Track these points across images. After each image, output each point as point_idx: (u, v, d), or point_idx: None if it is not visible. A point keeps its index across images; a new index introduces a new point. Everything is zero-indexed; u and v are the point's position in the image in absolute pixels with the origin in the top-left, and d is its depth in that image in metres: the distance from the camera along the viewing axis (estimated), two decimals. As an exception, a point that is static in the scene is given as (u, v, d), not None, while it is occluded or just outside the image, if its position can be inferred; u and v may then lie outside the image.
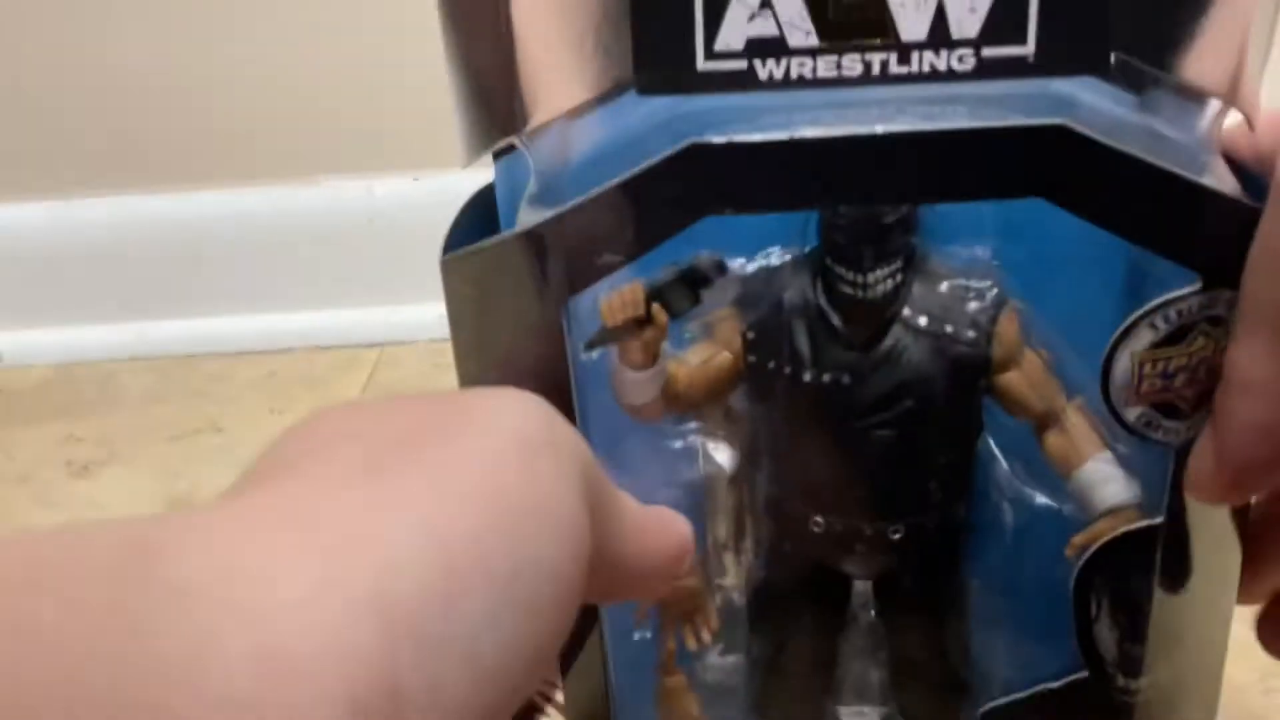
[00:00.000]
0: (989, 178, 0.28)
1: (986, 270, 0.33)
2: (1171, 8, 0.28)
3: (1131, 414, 0.30)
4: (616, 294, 0.31)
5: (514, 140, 0.30)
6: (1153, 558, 0.32)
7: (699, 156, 0.28)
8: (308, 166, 0.80)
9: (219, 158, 0.81)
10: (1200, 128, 0.30)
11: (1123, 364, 0.30)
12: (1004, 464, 0.34)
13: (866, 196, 0.29)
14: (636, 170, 0.28)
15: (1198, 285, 0.29)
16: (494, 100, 0.30)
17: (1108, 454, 0.33)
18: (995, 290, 0.32)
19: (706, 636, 0.36)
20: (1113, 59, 0.29)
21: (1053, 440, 0.34)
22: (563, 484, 0.23)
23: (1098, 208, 0.28)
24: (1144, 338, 0.29)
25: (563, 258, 0.29)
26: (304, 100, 0.79)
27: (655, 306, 0.30)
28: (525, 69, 0.30)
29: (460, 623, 0.20)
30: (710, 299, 0.31)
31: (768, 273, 0.33)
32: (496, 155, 0.32)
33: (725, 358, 0.33)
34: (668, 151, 0.28)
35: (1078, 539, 0.33)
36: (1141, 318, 0.29)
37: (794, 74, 0.29)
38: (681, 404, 0.34)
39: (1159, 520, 0.32)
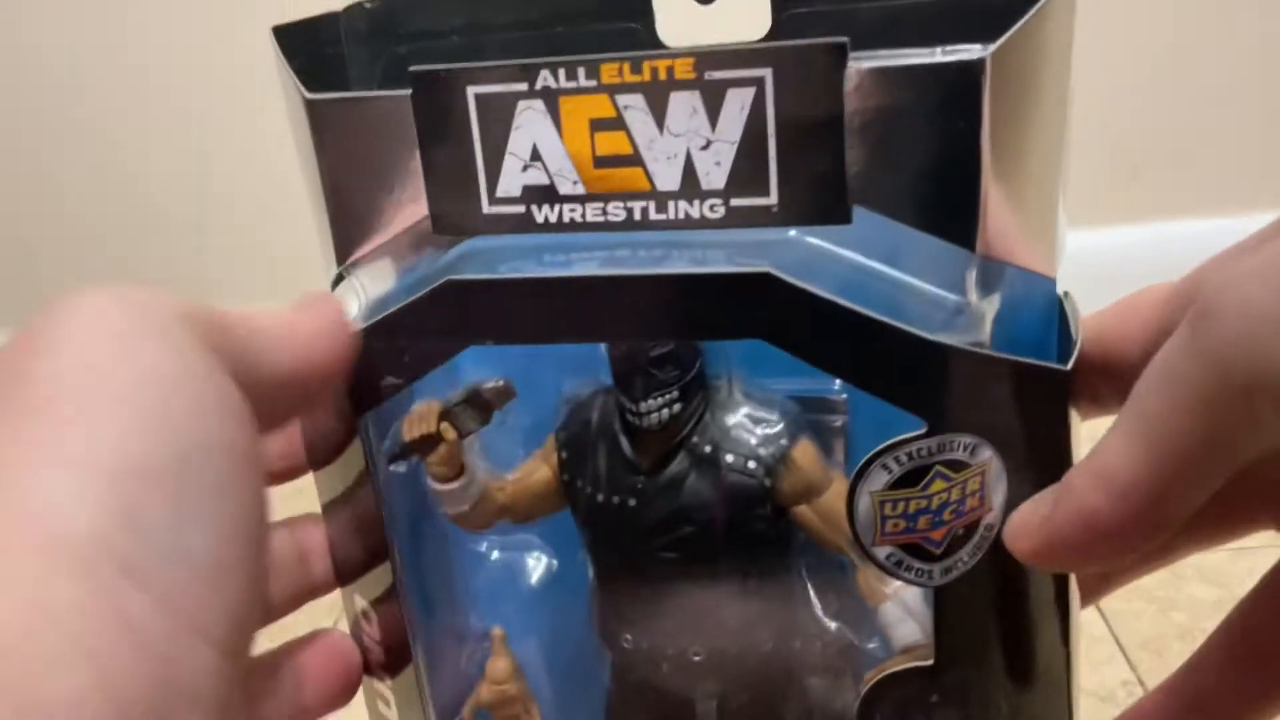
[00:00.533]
0: (712, 318, 0.30)
1: (785, 405, 0.34)
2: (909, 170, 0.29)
3: (881, 553, 0.31)
4: (415, 411, 0.34)
5: (341, 270, 0.35)
6: (928, 697, 0.32)
7: (455, 291, 0.31)
8: (306, 285, 0.85)
9: (218, 281, 0.86)
10: (955, 277, 0.30)
11: (864, 503, 0.31)
12: (816, 604, 0.35)
13: (602, 332, 0.31)
14: (403, 303, 0.32)
15: (923, 429, 0.29)
16: (324, 229, 0.35)
17: (911, 591, 0.33)
18: (783, 424, 0.33)
19: (531, 742, 0.37)
20: (851, 211, 0.30)
21: (860, 576, 0.34)
22: (186, 354, 0.22)
23: (813, 352, 0.29)
24: (879, 478, 0.30)
25: (352, 377, 0.33)
26: (302, 222, 0.83)
27: (444, 425, 0.33)
28: (341, 211, 0.34)
29: (156, 533, 0.19)
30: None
31: (587, 396, 0.35)
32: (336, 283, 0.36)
33: (544, 472, 0.36)
34: (428, 287, 0.31)
35: (868, 674, 0.33)
36: (873, 459, 0.30)
37: (565, 218, 0.32)
38: (513, 515, 0.36)
39: (929, 663, 0.32)
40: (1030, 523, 0.29)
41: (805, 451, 0.33)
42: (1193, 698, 0.32)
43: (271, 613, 0.33)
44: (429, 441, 0.33)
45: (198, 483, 0.21)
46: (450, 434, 0.33)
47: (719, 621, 0.34)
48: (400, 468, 0.34)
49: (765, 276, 0.29)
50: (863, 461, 0.30)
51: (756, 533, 0.33)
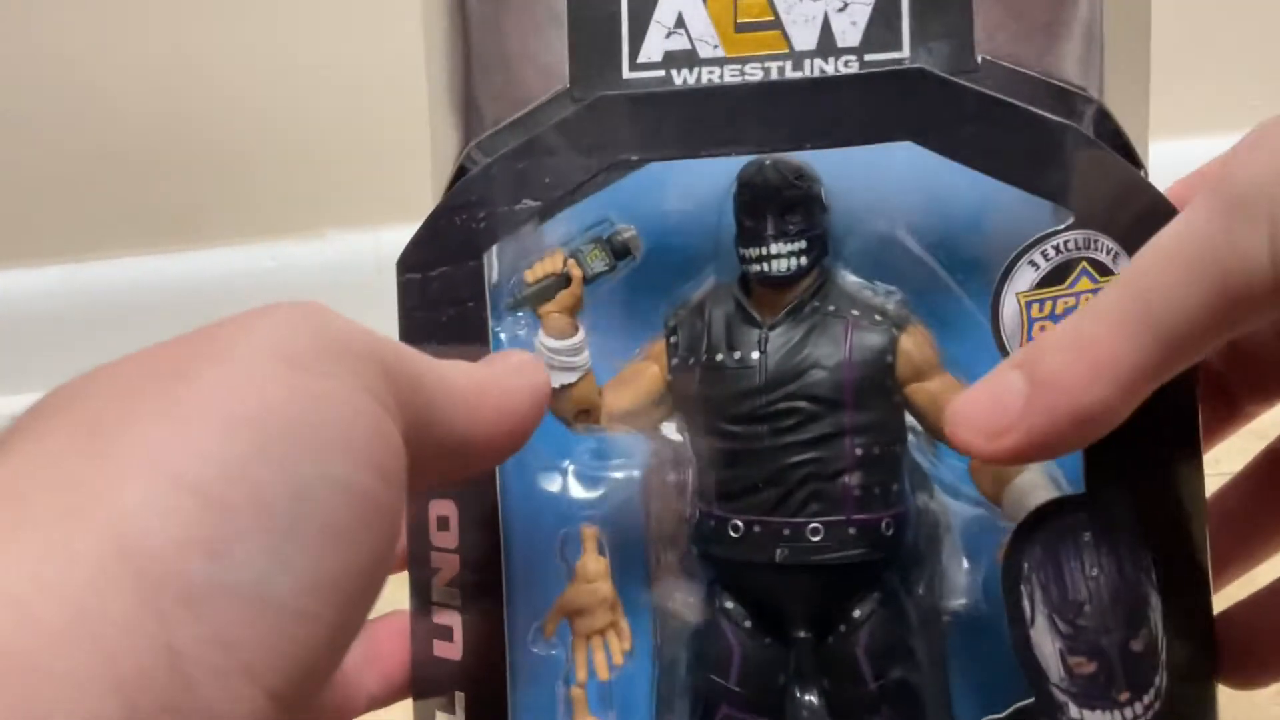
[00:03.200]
0: (865, 123, 0.31)
1: (893, 290, 0.34)
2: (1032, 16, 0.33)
3: (1028, 362, 0.30)
4: (538, 259, 0.34)
5: (470, 150, 0.35)
6: (1081, 536, 0.30)
7: (608, 104, 0.32)
8: (313, 220, 0.80)
9: (225, 214, 0.81)
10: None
11: (1010, 307, 0.31)
12: (932, 476, 0.33)
13: (752, 142, 0.32)
14: (552, 121, 0.33)
15: (1071, 220, 0.30)
16: (456, 113, 0.36)
17: (1036, 467, 0.32)
18: (901, 296, 0.34)
19: (619, 658, 0.33)
20: (979, 59, 0.33)
21: (978, 463, 0.33)
22: (346, 390, 0.21)
23: (962, 147, 0.31)
24: (1025, 276, 0.30)
25: (486, 206, 0.33)
26: (309, 153, 0.79)
27: (570, 261, 0.33)
28: (481, 88, 0.36)
29: (238, 568, 0.18)
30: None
31: (693, 297, 0.35)
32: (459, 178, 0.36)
33: (649, 370, 0.35)
34: (581, 105, 0.33)
35: (1007, 539, 0.31)
36: (1019, 255, 0.30)
37: (704, 79, 0.34)
38: (605, 414, 0.35)
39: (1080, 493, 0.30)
40: (998, 418, 0.26)
41: (920, 328, 0.33)
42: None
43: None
44: (553, 284, 0.33)
45: (309, 522, 0.20)
46: (577, 272, 0.33)
47: (841, 489, 0.32)
48: (521, 315, 0.33)
49: (920, 71, 0.31)
50: (1008, 261, 0.31)
51: (881, 388, 0.32)
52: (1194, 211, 0.25)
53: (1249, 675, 0.31)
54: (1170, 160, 0.35)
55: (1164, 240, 0.25)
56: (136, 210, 0.86)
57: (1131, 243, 0.31)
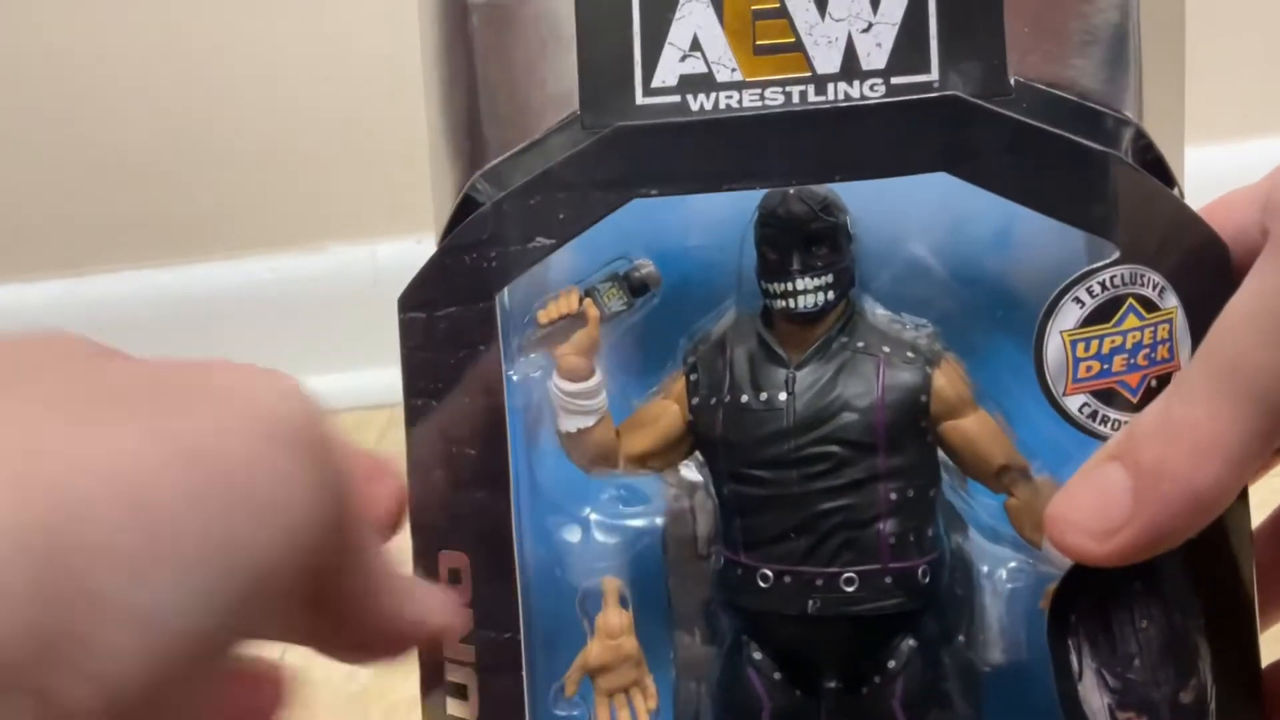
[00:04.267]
0: (896, 153, 0.30)
1: (924, 324, 0.33)
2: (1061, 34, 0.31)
3: (1073, 404, 0.29)
4: (552, 298, 0.32)
5: (475, 180, 0.34)
6: (1131, 584, 0.29)
7: (625, 137, 0.31)
8: (312, 233, 0.80)
9: (223, 228, 0.82)
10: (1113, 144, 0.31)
11: (1054, 345, 0.29)
12: (971, 525, 0.32)
13: (775, 175, 0.30)
14: (567, 154, 0.31)
15: (1116, 255, 0.29)
16: (459, 140, 0.34)
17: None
18: (933, 329, 0.32)
19: (645, 716, 0.32)
20: (1012, 82, 0.31)
21: (1018, 504, 0.31)
22: (303, 478, 0.21)
23: (1000, 178, 0.29)
24: (1070, 314, 0.29)
25: (497, 244, 0.31)
26: (306, 168, 0.80)
27: (586, 301, 0.31)
28: (489, 111, 0.34)
29: (147, 590, 0.18)
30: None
31: (711, 327, 0.34)
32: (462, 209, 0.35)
33: (669, 410, 0.33)
34: (596, 136, 0.31)
35: (1051, 587, 0.30)
36: (1064, 291, 0.29)
37: (722, 105, 0.32)
38: (622, 460, 0.33)
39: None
40: (1108, 517, 0.26)
41: (953, 363, 0.32)
42: None
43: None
44: (568, 325, 0.31)
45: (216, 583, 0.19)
46: (593, 311, 0.31)
47: (873, 536, 0.31)
48: (535, 357, 0.32)
49: (954, 99, 0.30)
50: (1051, 298, 0.29)
51: (916, 429, 0.31)
52: (1265, 266, 0.24)
53: None
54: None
55: (1242, 303, 0.24)
56: (135, 224, 0.87)
57: (1178, 277, 0.29)
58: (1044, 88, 0.31)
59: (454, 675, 0.32)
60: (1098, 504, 0.26)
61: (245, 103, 0.84)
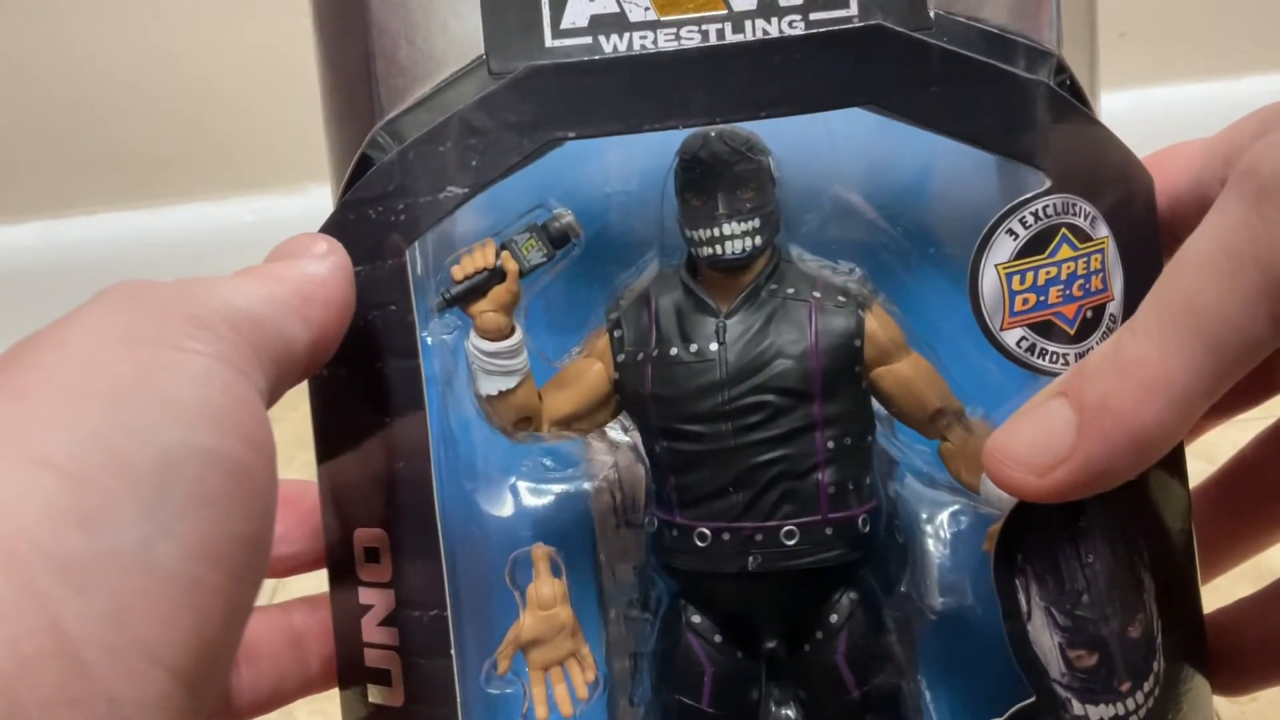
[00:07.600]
0: (821, 86, 0.29)
1: (852, 267, 0.32)
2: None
3: (1011, 338, 0.28)
4: (466, 252, 0.30)
5: (375, 134, 0.31)
6: (1076, 521, 0.28)
7: (539, 77, 0.29)
8: (293, 175, 0.77)
9: (203, 170, 0.79)
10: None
11: (990, 279, 0.28)
12: (903, 464, 0.31)
13: (697, 113, 0.29)
14: (479, 95, 0.29)
15: (1048, 185, 0.28)
16: (356, 92, 0.32)
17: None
18: (861, 273, 0.31)
19: (583, 690, 0.30)
20: (932, 15, 0.30)
21: (953, 447, 0.31)
22: (198, 361, 0.22)
23: (928, 110, 0.28)
24: (1004, 246, 0.28)
25: (405, 195, 0.29)
26: (287, 108, 0.77)
27: (504, 254, 0.29)
28: (386, 60, 0.32)
29: (114, 534, 0.18)
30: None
31: (635, 285, 0.32)
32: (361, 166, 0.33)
33: (593, 368, 0.32)
34: (509, 77, 0.29)
35: (993, 528, 0.29)
36: (997, 223, 0.28)
37: (636, 46, 0.31)
38: (548, 420, 0.31)
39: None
40: (1048, 452, 0.25)
41: (882, 312, 0.31)
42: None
43: (260, 706, 0.30)
44: (485, 280, 0.29)
45: (179, 488, 0.20)
46: (511, 264, 0.29)
47: (812, 487, 0.29)
48: (450, 317, 0.30)
49: (878, 28, 0.29)
50: (985, 230, 0.28)
51: (851, 375, 0.30)
52: (1225, 210, 0.23)
53: (1234, 682, 0.30)
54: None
55: (1199, 243, 0.23)
56: (113, 165, 0.83)
57: (1108, 206, 0.29)
58: (964, 20, 0.30)
59: (375, 661, 0.30)
60: (1039, 438, 0.25)
61: (225, 41, 0.82)
